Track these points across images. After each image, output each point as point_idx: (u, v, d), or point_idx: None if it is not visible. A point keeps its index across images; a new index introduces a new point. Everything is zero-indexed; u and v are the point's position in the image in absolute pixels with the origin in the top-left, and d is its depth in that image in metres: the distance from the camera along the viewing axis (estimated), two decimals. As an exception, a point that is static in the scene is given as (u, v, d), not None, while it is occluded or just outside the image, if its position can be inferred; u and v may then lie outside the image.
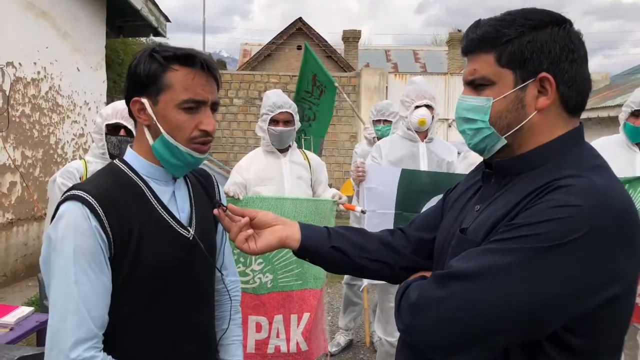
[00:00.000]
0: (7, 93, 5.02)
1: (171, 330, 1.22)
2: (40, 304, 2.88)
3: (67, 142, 6.20)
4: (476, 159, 2.55)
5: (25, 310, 2.67)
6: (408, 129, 2.98)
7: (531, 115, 0.98)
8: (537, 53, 0.96)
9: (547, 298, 0.85)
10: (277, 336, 2.65)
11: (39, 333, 2.62)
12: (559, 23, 0.98)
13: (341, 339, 3.98)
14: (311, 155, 3.06)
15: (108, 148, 2.29)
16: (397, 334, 1.13)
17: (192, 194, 1.32)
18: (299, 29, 19.11)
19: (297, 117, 2.89)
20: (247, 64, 19.58)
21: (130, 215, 1.14)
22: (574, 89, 0.98)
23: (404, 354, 1.15)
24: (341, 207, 2.79)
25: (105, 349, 1.10)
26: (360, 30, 20.88)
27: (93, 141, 2.34)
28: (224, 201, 1.39)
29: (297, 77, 5.23)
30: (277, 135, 2.80)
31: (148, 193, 1.20)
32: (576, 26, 0.99)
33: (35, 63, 5.51)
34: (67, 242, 1.07)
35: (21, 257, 5.42)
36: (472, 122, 1.03)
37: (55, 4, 5.82)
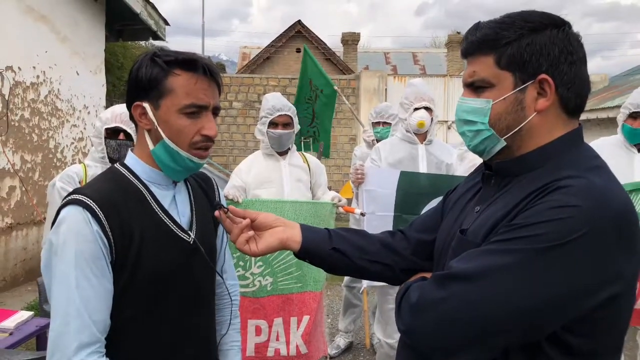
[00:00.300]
0: (7, 97, 5.02)
1: (172, 334, 1.22)
2: (40, 309, 2.88)
3: (67, 146, 6.19)
4: (476, 159, 2.55)
5: (24, 314, 2.66)
6: (407, 131, 2.99)
7: (530, 117, 0.99)
8: (537, 55, 0.96)
9: (547, 298, 0.85)
10: (277, 339, 2.65)
11: (39, 337, 2.62)
12: (558, 25, 0.98)
13: (341, 341, 3.97)
14: (310, 158, 3.06)
15: (107, 152, 2.29)
16: (397, 336, 1.13)
17: (192, 198, 1.32)
18: (298, 32, 19.13)
19: (296, 120, 2.89)
20: (246, 67, 19.60)
21: (131, 219, 1.14)
22: (573, 91, 0.98)
23: (404, 355, 1.15)
24: (340, 209, 2.80)
25: (106, 353, 1.10)
26: (359, 33, 20.94)
27: (92, 145, 2.35)
28: (224, 203, 1.39)
29: (297, 81, 5.23)
30: (277, 138, 2.80)
31: (149, 197, 1.20)
32: (575, 28, 1.00)
33: (34, 67, 5.51)
34: (68, 247, 1.07)
35: (20, 262, 5.41)
36: (471, 124, 1.03)
37: (54, 7, 5.82)
